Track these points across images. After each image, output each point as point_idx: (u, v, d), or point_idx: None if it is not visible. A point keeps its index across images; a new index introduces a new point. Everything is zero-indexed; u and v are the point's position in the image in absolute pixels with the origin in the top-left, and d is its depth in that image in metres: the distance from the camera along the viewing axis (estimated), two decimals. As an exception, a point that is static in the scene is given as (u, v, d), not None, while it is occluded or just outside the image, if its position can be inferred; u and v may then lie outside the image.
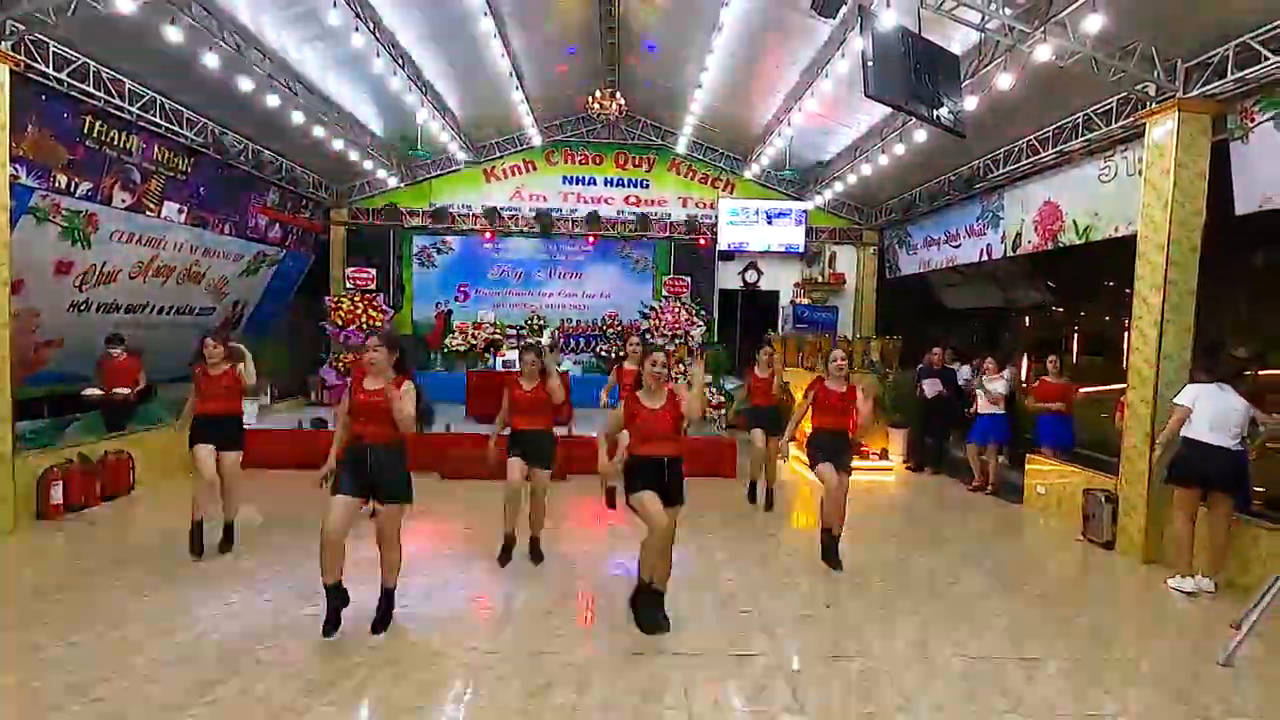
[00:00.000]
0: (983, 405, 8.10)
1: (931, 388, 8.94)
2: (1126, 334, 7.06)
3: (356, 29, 7.18)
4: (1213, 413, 4.96)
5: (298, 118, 8.61)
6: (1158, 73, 5.73)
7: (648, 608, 4.15)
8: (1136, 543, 5.80)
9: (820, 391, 5.39)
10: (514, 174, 13.13)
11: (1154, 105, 5.89)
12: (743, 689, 3.51)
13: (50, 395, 8.35)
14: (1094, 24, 5.35)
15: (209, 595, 4.45)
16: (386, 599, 4.06)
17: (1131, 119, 6.38)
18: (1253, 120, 5.57)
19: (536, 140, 12.65)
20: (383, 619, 4.01)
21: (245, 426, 5.56)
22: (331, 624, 3.86)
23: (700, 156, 13.12)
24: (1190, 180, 5.65)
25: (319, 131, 9.21)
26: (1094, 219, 7.89)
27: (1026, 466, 7.55)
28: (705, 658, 3.82)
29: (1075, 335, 14.43)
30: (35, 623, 4.00)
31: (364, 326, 11.31)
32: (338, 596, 3.88)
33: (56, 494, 6.03)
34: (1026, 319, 14.74)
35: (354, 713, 3.23)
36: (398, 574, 4.07)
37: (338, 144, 9.78)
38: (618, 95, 10.41)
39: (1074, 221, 8.23)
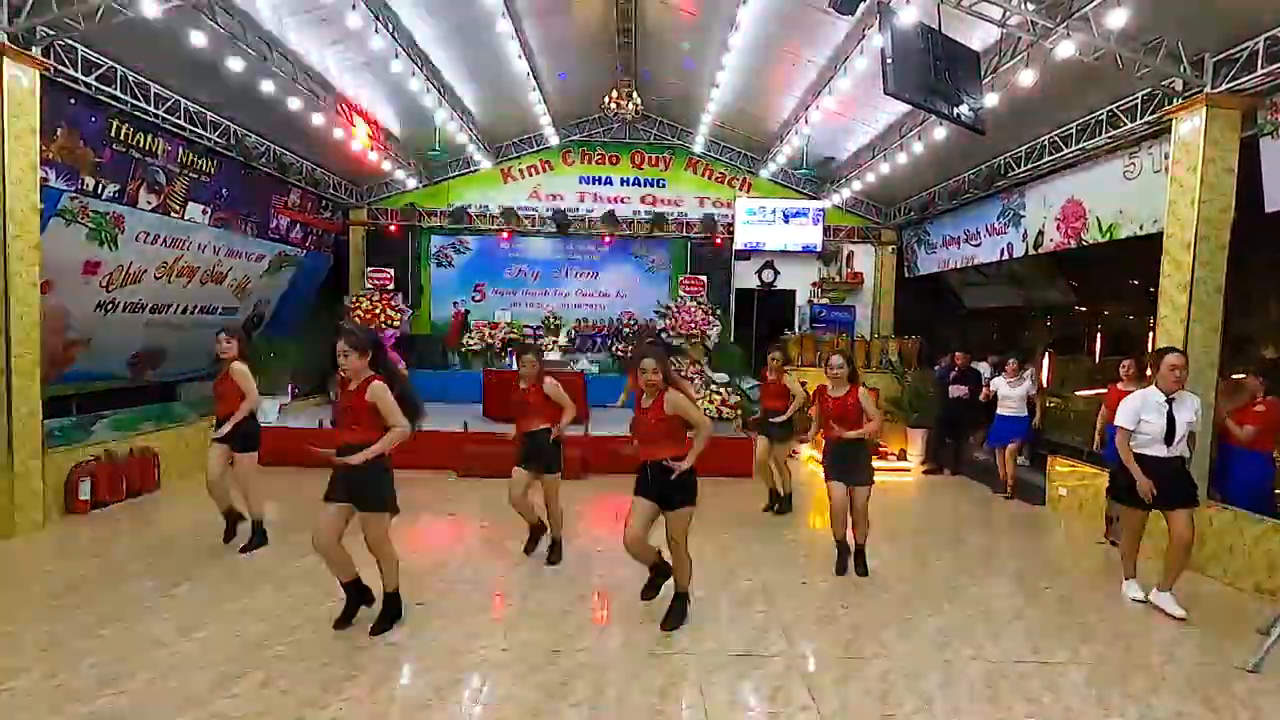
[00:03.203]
0: (1000, 407, 7.97)
1: (957, 390, 8.83)
2: (1151, 334, 6.91)
3: (376, 31, 7.25)
4: None
5: (318, 119, 8.71)
6: (1184, 67, 5.62)
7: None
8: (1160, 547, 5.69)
9: (824, 400, 5.23)
10: (531, 174, 13.16)
11: (1181, 101, 5.79)
12: (759, 689, 3.51)
13: (78, 393, 8.52)
14: (1118, 19, 5.26)
15: (232, 590, 4.53)
16: (385, 601, 4.06)
17: (1157, 115, 6.27)
18: (1283, 115, 5.45)
19: (554, 140, 12.67)
20: (381, 619, 4.00)
21: (262, 424, 5.53)
22: (344, 619, 3.98)
23: (717, 156, 13.06)
24: (1218, 177, 5.55)
25: (339, 133, 9.30)
26: (1118, 217, 7.76)
27: (1048, 469, 7.44)
28: (722, 658, 3.82)
29: (1098, 335, 14.21)
30: (63, 616, 4.08)
31: (383, 325, 11.43)
32: (354, 593, 4.01)
33: (84, 490, 6.16)
34: (1048, 318, 14.54)
35: (373, 707, 3.26)
36: (394, 577, 4.04)
37: (357, 145, 9.87)
38: (634, 95, 10.41)
39: (1098, 219, 8.10)
